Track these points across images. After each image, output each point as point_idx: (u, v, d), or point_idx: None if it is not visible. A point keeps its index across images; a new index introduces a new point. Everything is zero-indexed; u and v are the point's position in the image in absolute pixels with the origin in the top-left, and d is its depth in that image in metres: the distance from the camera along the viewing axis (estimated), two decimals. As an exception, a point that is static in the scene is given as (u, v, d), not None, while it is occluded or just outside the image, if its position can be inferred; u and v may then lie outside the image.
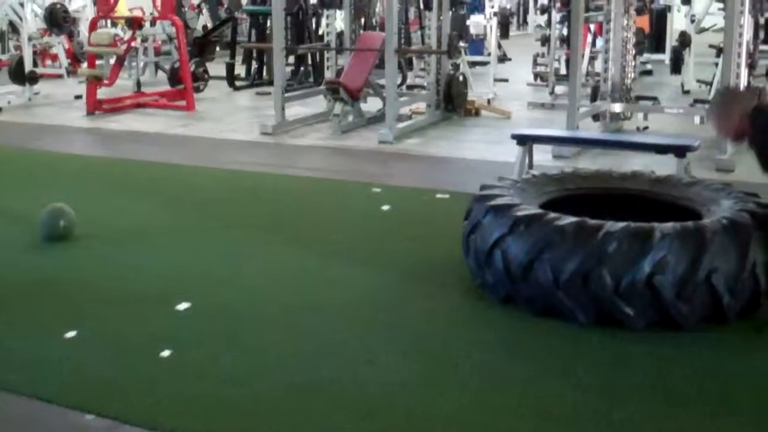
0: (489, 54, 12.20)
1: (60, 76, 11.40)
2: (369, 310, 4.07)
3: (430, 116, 9.19)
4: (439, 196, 6.12)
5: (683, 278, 3.67)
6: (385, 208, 5.79)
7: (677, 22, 13.26)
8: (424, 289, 4.32)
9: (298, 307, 4.07)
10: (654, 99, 9.32)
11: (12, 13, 10.88)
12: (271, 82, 10.10)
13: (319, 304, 4.11)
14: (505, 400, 3.18)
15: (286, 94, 9.10)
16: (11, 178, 6.90)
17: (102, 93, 10.25)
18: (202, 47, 12.45)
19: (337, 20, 10.41)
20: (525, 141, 6.02)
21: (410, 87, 10.85)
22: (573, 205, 4.30)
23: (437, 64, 9.25)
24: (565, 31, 11.15)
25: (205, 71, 11.47)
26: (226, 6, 15.27)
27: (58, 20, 10.82)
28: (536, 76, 11.99)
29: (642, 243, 3.70)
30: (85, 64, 10.71)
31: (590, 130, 8.13)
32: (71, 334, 3.73)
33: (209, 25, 14.91)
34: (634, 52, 8.80)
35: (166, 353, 3.54)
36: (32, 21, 11.37)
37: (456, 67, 9.89)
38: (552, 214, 3.98)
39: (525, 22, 23.90)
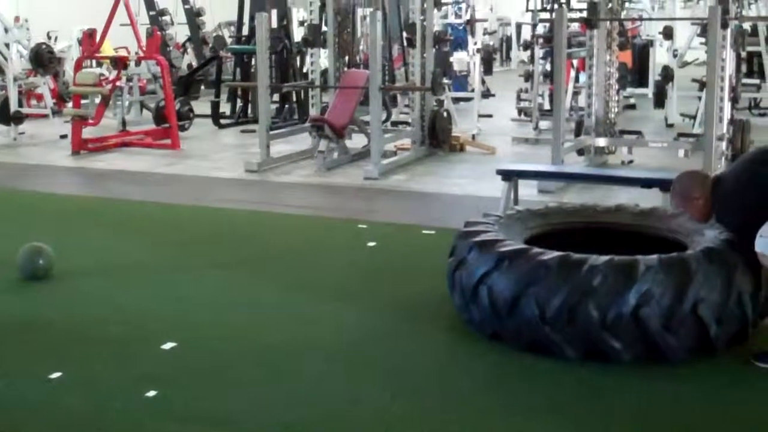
0: (473, 90, 12.28)
1: (45, 116, 11.39)
2: (354, 348, 4.05)
3: (415, 152, 9.22)
4: (424, 232, 6.12)
5: (669, 310, 3.66)
6: (371, 244, 5.79)
7: (660, 57, 13.40)
8: (411, 327, 4.30)
9: (284, 346, 4.04)
10: (638, 133, 9.38)
11: (-3, 54, 10.90)
12: (256, 120, 10.12)
13: (305, 343, 4.08)
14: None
15: (271, 132, 9.13)
16: (-5, 219, 6.86)
17: (87, 132, 10.25)
18: (187, 86, 12.50)
19: (322, 58, 10.46)
20: (510, 176, 6.04)
21: (395, 123, 10.89)
22: (558, 240, 4.30)
23: (421, 100, 9.30)
24: (548, 67, 11.24)
25: (190, 110, 11.50)
26: (211, 45, 15.34)
27: (43, 60, 10.86)
28: (520, 111, 12.07)
29: (626, 276, 3.70)
30: (70, 104, 10.71)
31: (575, 164, 8.17)
32: (55, 375, 3.69)
33: (194, 64, 14.96)
34: (617, 86, 8.88)
35: (151, 393, 3.51)
36: (17, 61, 11.37)
37: (440, 103, 9.95)
38: (536, 249, 3.97)
39: (508, 57, 24.09)
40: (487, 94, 13.12)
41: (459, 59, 13.79)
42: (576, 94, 11.09)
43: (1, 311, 4.60)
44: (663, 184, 5.66)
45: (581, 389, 3.56)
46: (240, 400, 3.48)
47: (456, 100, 12.36)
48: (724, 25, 7.39)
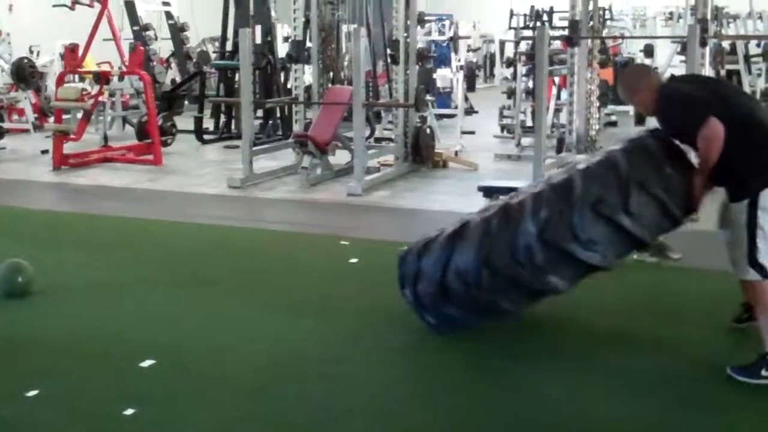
0: (456, 106, 12.32)
1: (27, 131, 11.34)
2: (335, 366, 4.03)
3: (398, 168, 9.23)
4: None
5: (622, 199, 3.86)
6: (353, 261, 5.78)
7: (641, 75, 13.44)
8: (392, 342, 4.30)
9: (264, 364, 4.03)
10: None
11: (-22, 69, 10.86)
12: (239, 136, 10.11)
13: (285, 361, 4.07)
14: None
15: (255, 148, 9.12)
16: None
17: (69, 148, 10.19)
18: (170, 101, 12.46)
19: (306, 74, 10.49)
20: (491, 193, 6.05)
21: (378, 140, 10.92)
22: None
23: (405, 117, 9.32)
24: (530, 84, 11.30)
25: (173, 125, 11.47)
26: (194, 60, 15.34)
27: (25, 75, 10.85)
28: (503, 128, 12.11)
29: (565, 192, 3.95)
30: (52, 119, 10.67)
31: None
32: (33, 393, 3.66)
33: (178, 79, 14.95)
34: (598, 104, 8.94)
35: (129, 411, 3.48)
36: (-1, 76, 11.35)
37: (423, 119, 9.97)
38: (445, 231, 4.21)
39: (492, 74, 24.19)
40: (470, 111, 13.17)
41: (442, 76, 13.85)
42: (558, 111, 11.15)
43: (-21, 328, 4.56)
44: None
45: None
46: (219, 419, 3.46)
47: (439, 116, 12.39)
48: (703, 44, 7.47)
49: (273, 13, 12.09)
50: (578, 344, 4.24)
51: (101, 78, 10.97)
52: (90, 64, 12.80)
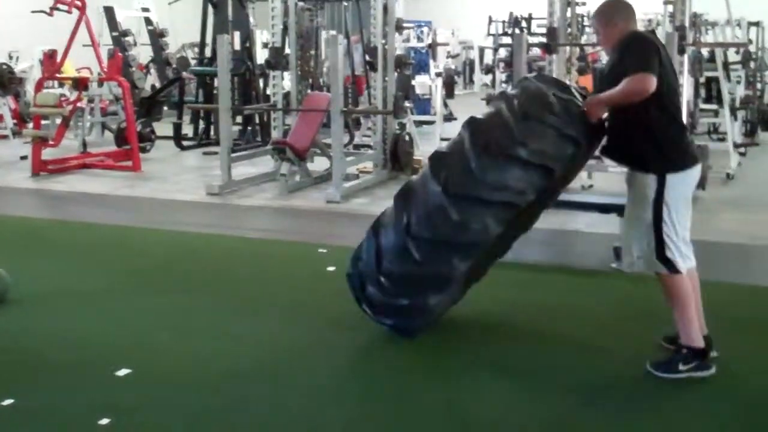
0: (435, 113, 12.35)
1: (5, 137, 11.28)
2: (312, 374, 4.04)
3: (377, 175, 9.25)
4: (384, 255, 6.12)
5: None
6: (331, 269, 5.77)
7: (620, 81, 13.48)
8: (371, 350, 4.33)
9: (241, 372, 4.02)
10: (598, 158, 9.42)
11: (-44, 74, 10.79)
12: (218, 142, 10.09)
13: (263, 369, 4.07)
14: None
15: (234, 154, 9.11)
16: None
17: (48, 154, 10.16)
18: (149, 107, 12.45)
19: (285, 80, 10.49)
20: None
21: (357, 146, 10.93)
22: None
23: (384, 123, 9.34)
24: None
25: (152, 131, 11.45)
26: (174, 66, 15.31)
27: (2, 81, 10.79)
28: (482, 134, 12.10)
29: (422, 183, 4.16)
30: (31, 125, 10.62)
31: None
32: (6, 402, 3.65)
33: (158, 85, 14.92)
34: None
35: (104, 421, 3.47)
36: (-23, 82, 11.28)
37: (402, 126, 10.00)
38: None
39: (471, 81, 24.29)
40: (449, 118, 13.21)
41: (421, 83, 13.88)
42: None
43: (-47, 337, 4.54)
44: (620, 210, 5.72)
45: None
46: (196, 429, 3.46)
47: (418, 123, 12.43)
48: (681, 51, 7.52)
49: (252, 20, 12.09)
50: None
51: (80, 84, 10.92)
52: (69, 70, 12.75)
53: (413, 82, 13.46)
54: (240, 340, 4.48)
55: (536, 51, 12.13)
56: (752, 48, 13.34)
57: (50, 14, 10.72)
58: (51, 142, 10.20)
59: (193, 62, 14.40)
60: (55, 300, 5.15)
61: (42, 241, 6.80)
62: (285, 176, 8.69)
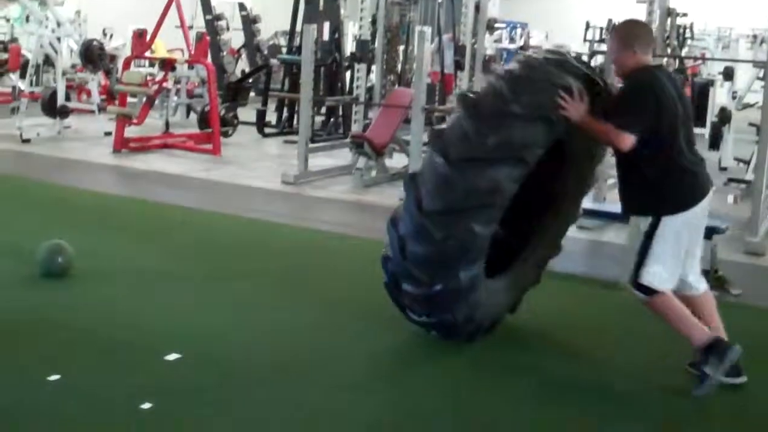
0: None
1: (92, 112, 11.43)
2: (366, 373, 3.92)
3: (455, 176, 9.04)
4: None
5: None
6: (396, 268, 5.62)
7: (719, 97, 13.00)
8: (431, 349, 4.19)
9: (290, 367, 3.90)
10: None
11: (48, 47, 10.95)
12: (299, 131, 10.06)
13: (313, 365, 3.95)
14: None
15: (313, 145, 9.03)
16: (25, 211, 6.83)
17: (131, 132, 10.25)
18: (235, 92, 12.46)
19: (372, 74, 10.38)
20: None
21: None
22: None
23: (466, 124, 9.12)
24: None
25: (235, 116, 11.46)
26: (264, 53, 15.36)
27: (93, 57, 10.91)
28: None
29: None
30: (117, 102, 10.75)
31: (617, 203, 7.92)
32: (54, 377, 3.60)
33: (247, 71, 14.99)
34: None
35: (146, 405, 3.39)
36: (67, 56, 11.44)
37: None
38: None
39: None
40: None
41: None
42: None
43: (12, 306, 4.53)
44: (705, 232, 5.41)
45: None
46: (236, 418, 3.35)
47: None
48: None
49: (342, 11, 12.02)
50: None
51: (166, 65, 11.00)
52: (161, 51, 12.89)
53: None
54: (294, 332, 4.37)
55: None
56: None
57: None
58: (134, 120, 10.29)
59: (284, 50, 14.41)
60: (117, 278, 5.12)
61: (113, 217, 6.82)
62: (361, 170, 8.57)
